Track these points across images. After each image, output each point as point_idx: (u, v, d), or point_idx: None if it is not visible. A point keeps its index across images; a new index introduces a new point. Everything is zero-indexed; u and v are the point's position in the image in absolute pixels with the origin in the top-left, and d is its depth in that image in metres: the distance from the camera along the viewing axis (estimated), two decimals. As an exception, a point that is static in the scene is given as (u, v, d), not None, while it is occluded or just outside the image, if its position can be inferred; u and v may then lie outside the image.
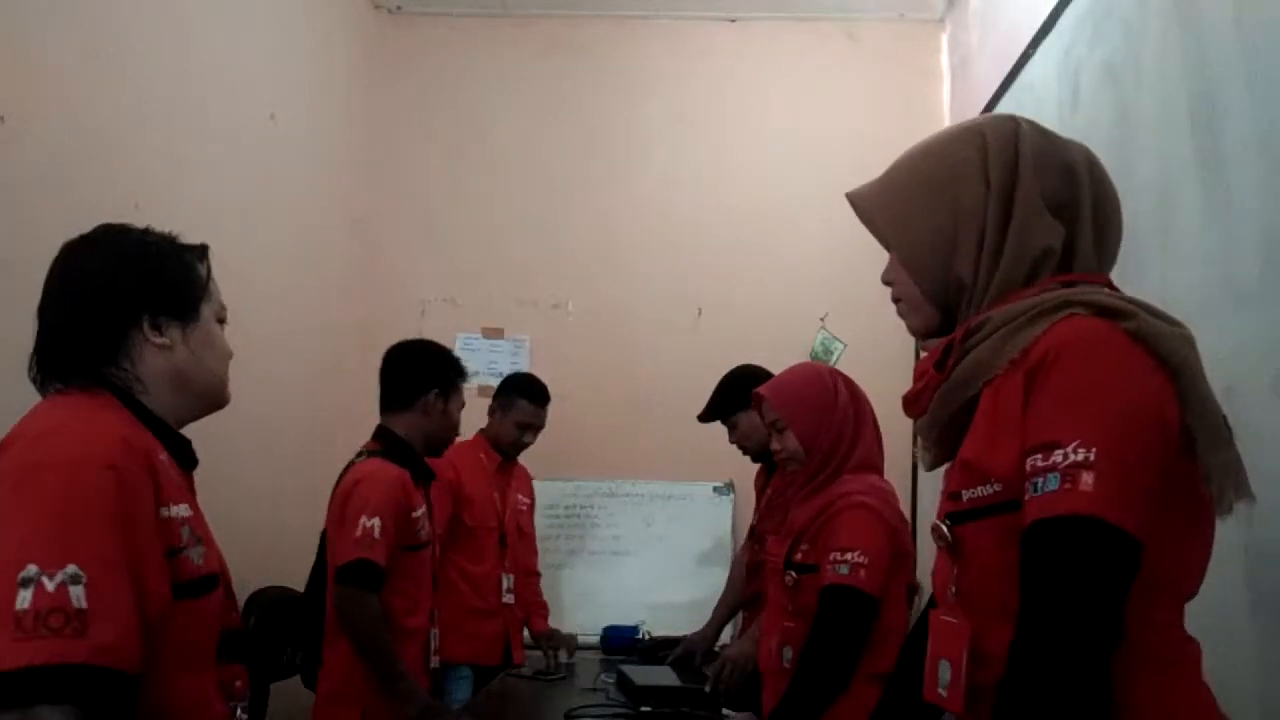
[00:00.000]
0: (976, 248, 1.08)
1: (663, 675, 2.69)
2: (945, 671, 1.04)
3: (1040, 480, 0.92)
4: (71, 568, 1.07)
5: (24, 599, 1.04)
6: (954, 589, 1.05)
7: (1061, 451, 0.91)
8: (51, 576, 1.06)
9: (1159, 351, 0.95)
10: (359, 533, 2.29)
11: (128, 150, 2.44)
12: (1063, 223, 1.07)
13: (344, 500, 2.38)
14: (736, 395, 2.89)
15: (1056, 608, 0.89)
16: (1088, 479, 0.89)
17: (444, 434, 2.59)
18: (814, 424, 2.03)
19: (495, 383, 3.46)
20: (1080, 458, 0.90)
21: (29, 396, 1.29)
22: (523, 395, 3.28)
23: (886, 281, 1.19)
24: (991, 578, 1.01)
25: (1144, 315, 0.97)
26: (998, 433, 1.00)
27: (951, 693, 1.02)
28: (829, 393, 2.05)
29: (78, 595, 1.06)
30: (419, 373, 2.55)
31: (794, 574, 1.99)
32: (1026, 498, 0.93)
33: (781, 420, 2.07)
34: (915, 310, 1.16)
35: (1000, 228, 1.07)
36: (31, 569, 1.06)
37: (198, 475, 1.38)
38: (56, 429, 1.18)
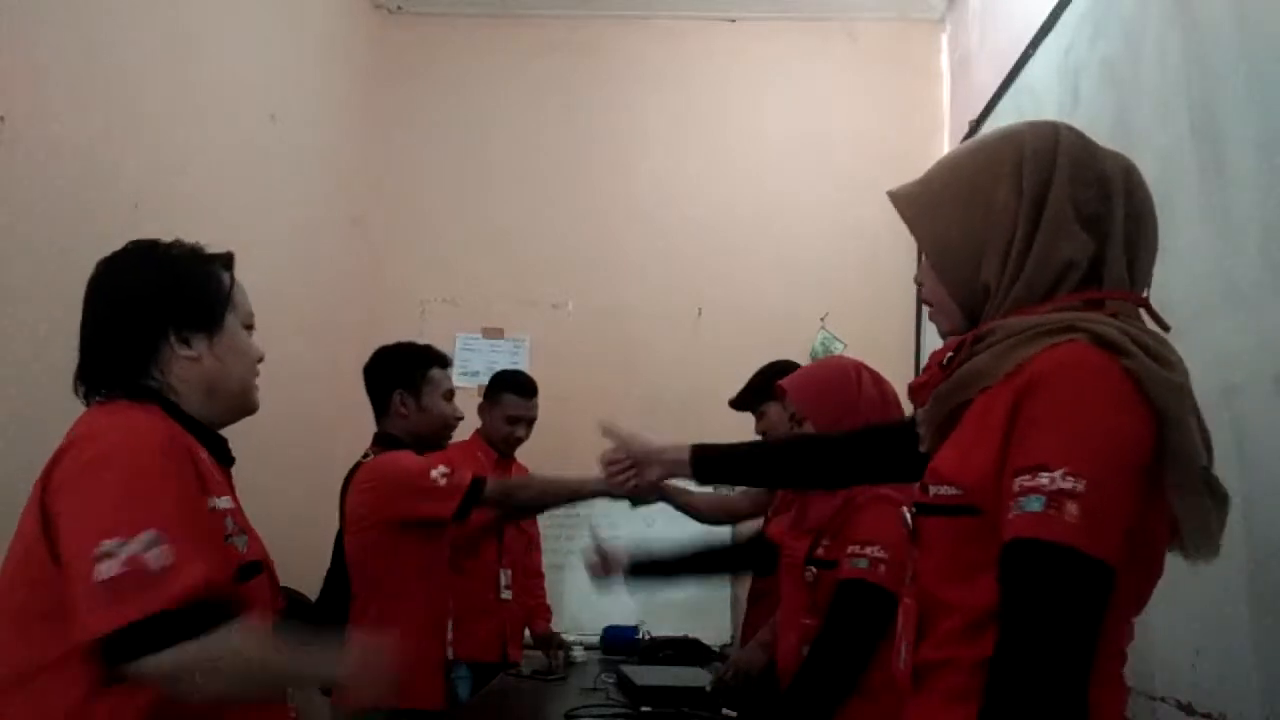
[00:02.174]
0: (1003, 254, 1.07)
1: (663, 675, 2.69)
2: (904, 652, 1.08)
3: (1024, 499, 0.93)
4: (147, 534, 1.16)
5: (106, 569, 1.13)
6: (911, 574, 1.11)
7: (1048, 475, 0.92)
8: (126, 544, 1.15)
9: (1149, 394, 0.96)
10: (444, 481, 2.39)
11: (128, 150, 2.44)
12: (1093, 236, 1.06)
13: (388, 487, 2.42)
14: (768, 386, 2.90)
15: (1034, 632, 0.91)
16: (1073, 509, 0.90)
17: (430, 428, 2.60)
18: (833, 419, 1.94)
19: (495, 383, 3.46)
20: (1068, 485, 0.91)
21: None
22: (507, 389, 3.29)
23: (918, 281, 1.20)
24: (944, 571, 1.05)
25: (1139, 354, 0.97)
26: (974, 443, 1.02)
27: (905, 670, 1.07)
28: (852, 388, 1.98)
29: (157, 554, 1.15)
30: (380, 377, 2.62)
31: (814, 570, 1.93)
32: (1010, 514, 0.95)
33: (800, 414, 2.02)
34: (942, 312, 1.16)
35: (1027, 236, 1.06)
36: (107, 544, 1.14)
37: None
38: (110, 428, 1.26)
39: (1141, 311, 1.07)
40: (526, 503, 2.62)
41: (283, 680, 1.34)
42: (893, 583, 1.77)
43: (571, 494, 2.58)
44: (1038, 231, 1.06)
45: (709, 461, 1.63)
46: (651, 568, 2.33)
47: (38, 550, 1.21)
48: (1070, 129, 1.11)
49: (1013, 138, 1.11)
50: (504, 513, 2.55)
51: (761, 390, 2.94)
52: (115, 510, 1.17)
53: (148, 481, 1.20)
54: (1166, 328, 1.07)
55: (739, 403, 3.04)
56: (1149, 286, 1.11)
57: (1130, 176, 1.09)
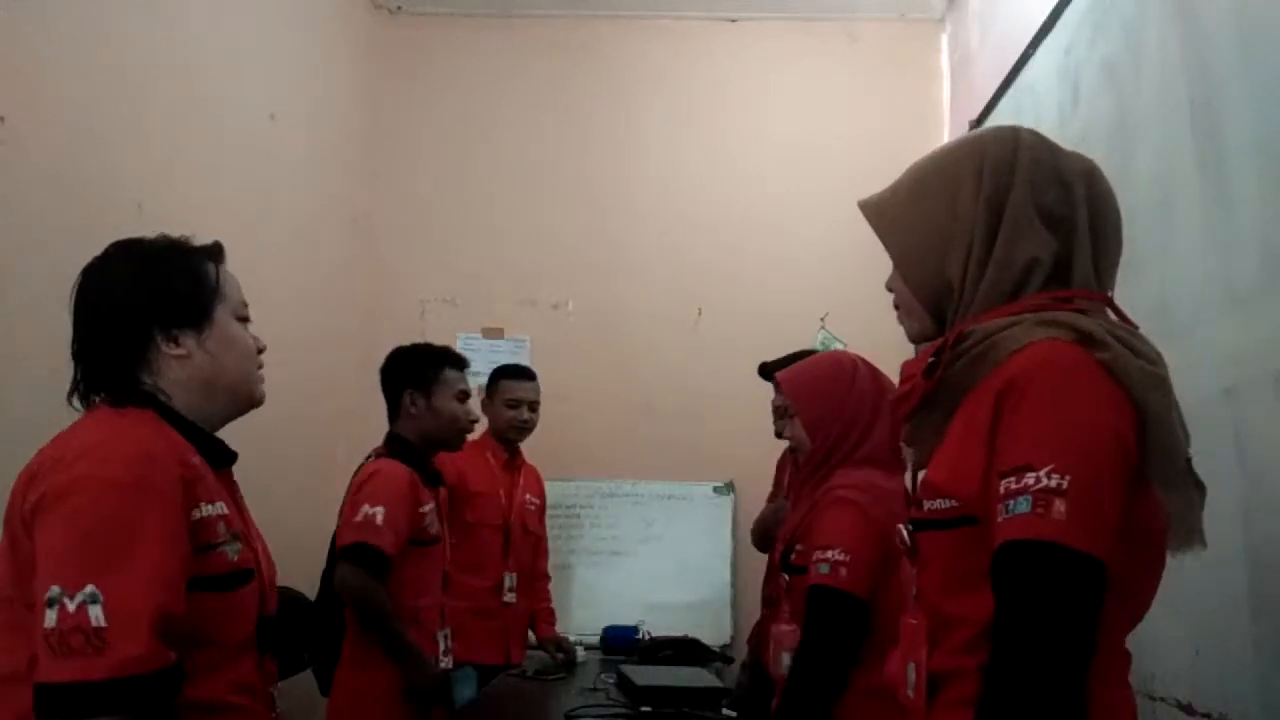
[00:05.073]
0: (965, 253, 1.09)
1: (663, 675, 2.69)
2: (911, 672, 1.07)
3: (1012, 502, 0.94)
4: (88, 589, 1.14)
5: (50, 618, 1.13)
6: (915, 591, 1.10)
7: (1034, 475, 0.93)
8: (69, 595, 1.13)
9: (1128, 388, 0.96)
10: (359, 518, 2.35)
11: (128, 150, 2.44)
12: (1057, 236, 1.07)
13: (354, 495, 2.42)
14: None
15: (1030, 631, 0.91)
16: (1060, 506, 0.91)
17: (442, 430, 2.59)
18: (819, 413, 1.95)
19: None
20: (1053, 484, 0.92)
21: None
22: (503, 376, 3.32)
23: (889, 287, 1.21)
24: (948, 584, 1.04)
25: (1119, 348, 0.98)
26: (963, 451, 1.02)
27: (916, 691, 1.06)
28: (844, 382, 1.96)
29: (96, 613, 1.13)
30: (393, 378, 2.62)
31: (787, 576, 1.94)
32: (999, 518, 0.95)
33: (791, 407, 2.02)
34: (910, 315, 1.18)
35: (989, 235, 1.08)
36: (54, 589, 1.13)
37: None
38: (82, 452, 1.23)
39: (1108, 310, 1.08)
40: (362, 618, 2.39)
41: None
42: (856, 587, 1.76)
43: (393, 652, 2.36)
44: (999, 231, 1.07)
45: None
46: None
47: (10, 565, 1.21)
48: (1032, 133, 1.13)
49: (973, 142, 1.14)
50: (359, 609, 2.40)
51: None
52: (65, 554, 1.16)
53: (102, 525, 1.17)
54: (1134, 326, 1.08)
55: (773, 368, 3.00)
56: (1113, 286, 1.12)
57: (1092, 177, 1.11)
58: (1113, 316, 1.07)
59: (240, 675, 1.34)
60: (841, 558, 1.76)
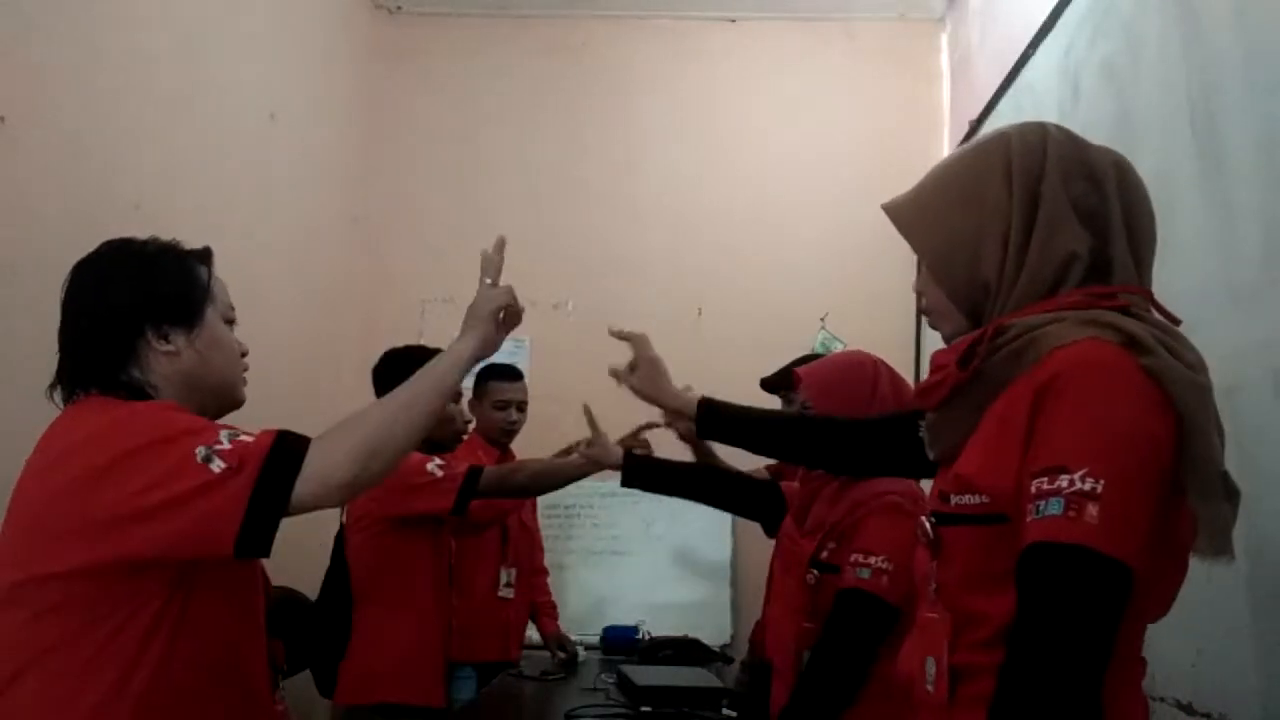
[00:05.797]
0: (1001, 250, 1.07)
1: (663, 675, 2.69)
2: (931, 667, 1.05)
3: (1044, 503, 0.92)
4: (222, 432, 1.23)
5: (216, 465, 1.19)
6: (934, 585, 1.07)
7: (1068, 477, 0.91)
8: (215, 445, 1.21)
9: (1171, 394, 0.94)
10: (431, 476, 2.43)
11: (128, 150, 2.44)
12: (1092, 231, 1.05)
13: (386, 484, 2.41)
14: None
15: (1051, 632, 0.91)
16: (1092, 510, 0.89)
17: (437, 431, 2.60)
18: (838, 411, 1.89)
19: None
20: (1087, 487, 0.90)
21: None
22: (490, 378, 3.31)
23: (918, 291, 1.19)
24: (970, 580, 1.03)
25: (1163, 353, 0.96)
26: (998, 447, 1.00)
27: (937, 687, 1.04)
28: (866, 386, 1.94)
29: (244, 437, 1.24)
30: (388, 379, 2.61)
31: (816, 573, 1.90)
32: (1028, 518, 0.93)
33: (812, 406, 1.98)
34: (945, 318, 1.15)
35: (1025, 230, 1.06)
36: (201, 451, 1.19)
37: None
38: (97, 412, 1.27)
39: (1150, 306, 1.06)
40: (523, 486, 2.64)
41: (434, 385, 1.50)
42: (894, 596, 1.73)
43: (564, 474, 2.61)
44: (1035, 224, 1.05)
45: (715, 417, 1.64)
46: (648, 470, 2.37)
47: (54, 549, 1.21)
48: (1058, 128, 1.11)
49: (1000, 138, 1.12)
50: (504, 498, 2.59)
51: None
52: (179, 435, 1.21)
53: (174, 413, 1.26)
54: (1177, 321, 1.07)
55: (772, 383, 2.99)
56: (1151, 280, 1.10)
57: (1122, 170, 1.09)
58: (1154, 312, 1.06)
59: (254, 654, 1.38)
60: (885, 566, 1.74)
